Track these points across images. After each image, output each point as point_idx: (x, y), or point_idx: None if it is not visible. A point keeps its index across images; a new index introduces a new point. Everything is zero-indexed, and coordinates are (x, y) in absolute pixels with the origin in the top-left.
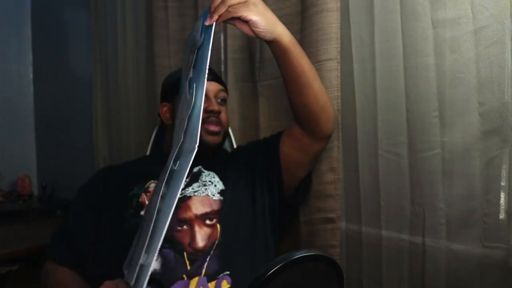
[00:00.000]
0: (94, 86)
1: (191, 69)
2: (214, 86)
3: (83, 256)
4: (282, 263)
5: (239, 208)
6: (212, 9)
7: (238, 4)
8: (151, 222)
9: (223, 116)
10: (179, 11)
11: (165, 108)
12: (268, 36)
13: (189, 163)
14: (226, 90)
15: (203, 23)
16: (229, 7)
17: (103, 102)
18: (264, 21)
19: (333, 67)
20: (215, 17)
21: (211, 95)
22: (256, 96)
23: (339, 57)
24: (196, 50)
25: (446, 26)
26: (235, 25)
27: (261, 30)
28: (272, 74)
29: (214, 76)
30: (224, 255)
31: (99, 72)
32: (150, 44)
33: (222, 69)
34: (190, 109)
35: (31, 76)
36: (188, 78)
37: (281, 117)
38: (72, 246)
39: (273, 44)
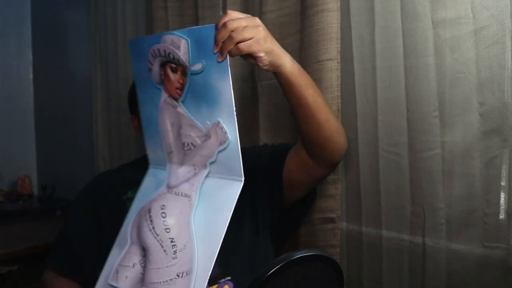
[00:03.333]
0: (94, 86)
1: (184, 93)
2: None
3: (83, 263)
4: (282, 263)
5: (241, 214)
6: (218, 43)
7: (248, 40)
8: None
9: None
10: (179, 11)
11: (136, 122)
12: (270, 69)
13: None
14: None
15: (197, 45)
16: (237, 43)
17: (103, 102)
18: (271, 57)
19: (333, 67)
20: (225, 53)
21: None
22: (256, 96)
23: (339, 57)
24: (188, 73)
25: (446, 26)
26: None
27: (265, 64)
28: (272, 74)
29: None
30: (225, 260)
31: (99, 72)
32: None
33: None
34: (225, 146)
35: (31, 76)
36: (180, 100)
37: (281, 117)
38: (71, 254)
39: (275, 74)
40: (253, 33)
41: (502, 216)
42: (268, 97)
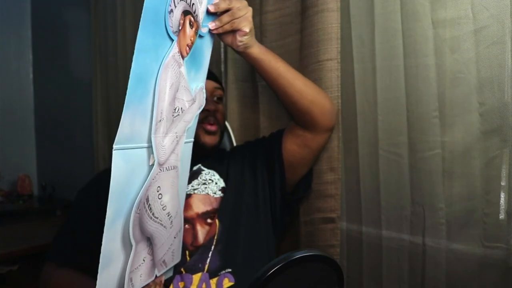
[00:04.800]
0: (94, 86)
1: (190, 52)
2: (210, 84)
3: (86, 253)
4: (282, 263)
5: (241, 205)
6: (215, 9)
7: (241, 17)
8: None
9: (219, 115)
10: None
11: None
12: (243, 47)
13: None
14: (221, 87)
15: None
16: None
17: (103, 102)
18: (250, 35)
19: (333, 67)
20: (218, 26)
21: (207, 93)
22: (256, 96)
23: (339, 57)
24: (198, 33)
25: (446, 26)
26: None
27: (242, 41)
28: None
29: (209, 73)
30: (226, 251)
31: (99, 72)
32: None
33: (222, 69)
34: (200, 110)
35: (31, 76)
36: (185, 58)
37: (282, 117)
38: (74, 245)
39: (244, 54)
40: (245, 11)
41: (502, 216)
42: (268, 97)
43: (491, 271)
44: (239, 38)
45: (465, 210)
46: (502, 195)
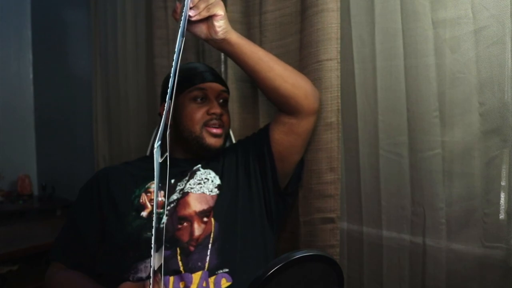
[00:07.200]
0: (94, 86)
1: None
2: (217, 87)
3: (91, 253)
4: (282, 263)
5: (236, 202)
6: (193, 3)
7: (214, 2)
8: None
9: (224, 118)
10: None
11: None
12: (222, 33)
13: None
14: (227, 90)
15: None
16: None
17: (103, 102)
18: (225, 18)
19: (333, 67)
20: (197, 13)
21: (212, 96)
22: (256, 96)
23: (339, 57)
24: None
25: (446, 26)
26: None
27: (221, 26)
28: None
29: (215, 76)
30: (223, 249)
31: (99, 72)
32: (150, 44)
33: (222, 69)
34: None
35: (31, 76)
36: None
37: None
38: (79, 244)
39: (224, 42)
40: None
41: (502, 216)
42: None
43: (491, 271)
44: (216, 23)
45: (465, 210)
46: (502, 195)
